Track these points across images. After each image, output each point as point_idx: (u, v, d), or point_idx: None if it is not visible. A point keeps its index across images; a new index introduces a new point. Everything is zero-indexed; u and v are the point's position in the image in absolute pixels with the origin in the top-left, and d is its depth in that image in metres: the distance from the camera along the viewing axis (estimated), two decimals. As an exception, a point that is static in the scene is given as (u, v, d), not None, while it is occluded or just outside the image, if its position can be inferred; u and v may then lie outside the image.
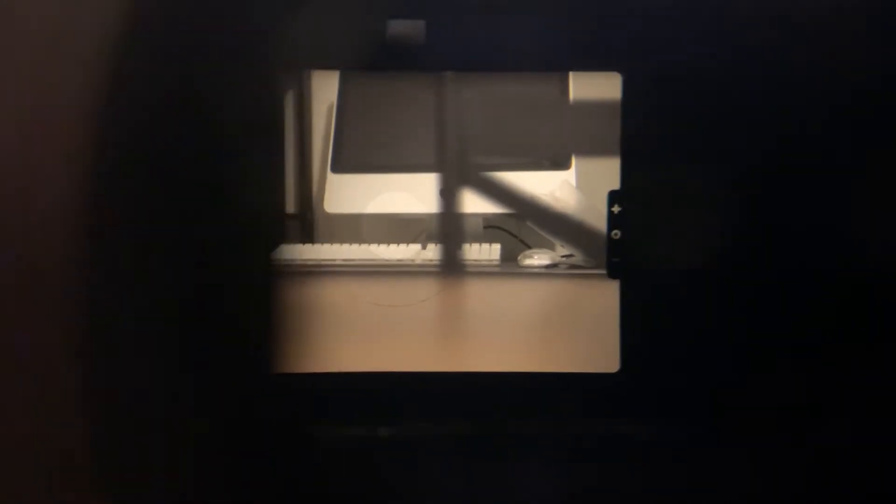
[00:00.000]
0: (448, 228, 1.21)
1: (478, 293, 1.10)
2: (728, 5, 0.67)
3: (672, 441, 0.72)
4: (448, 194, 1.21)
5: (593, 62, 0.77)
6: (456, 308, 1.07)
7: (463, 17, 0.72)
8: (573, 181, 1.22)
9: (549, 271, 1.13)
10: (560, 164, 1.23)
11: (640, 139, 0.73)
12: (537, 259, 1.15)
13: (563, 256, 1.17)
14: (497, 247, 1.18)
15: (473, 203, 1.22)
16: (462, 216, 1.22)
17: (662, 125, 0.72)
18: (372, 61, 0.73)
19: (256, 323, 0.52)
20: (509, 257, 1.19)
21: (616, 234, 0.77)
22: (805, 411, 0.70)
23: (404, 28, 0.69)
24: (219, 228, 0.48)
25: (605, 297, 1.08)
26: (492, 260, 1.17)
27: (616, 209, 0.77)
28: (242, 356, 0.49)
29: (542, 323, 1.04)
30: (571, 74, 1.23)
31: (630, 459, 0.72)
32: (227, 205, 0.50)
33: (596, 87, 1.22)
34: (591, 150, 1.23)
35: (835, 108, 0.68)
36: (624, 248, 0.76)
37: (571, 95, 1.25)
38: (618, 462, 0.72)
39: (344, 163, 1.29)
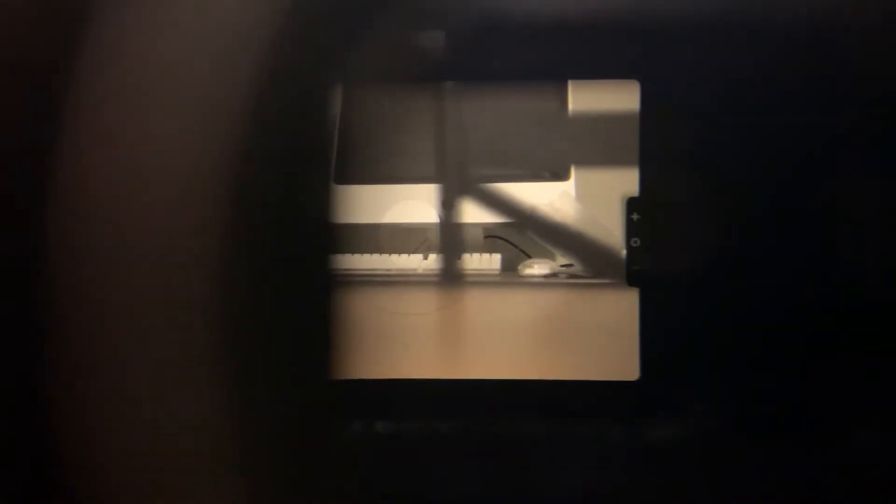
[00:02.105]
0: (448, 238, 1.22)
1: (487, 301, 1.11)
2: (749, 10, 0.66)
3: (692, 446, 0.71)
4: (448, 205, 1.22)
5: (611, 70, 0.77)
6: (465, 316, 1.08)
7: (480, 30, 0.72)
8: (572, 192, 1.24)
9: (549, 280, 1.14)
10: (559, 175, 1.25)
11: (658, 146, 0.73)
12: (537, 268, 1.16)
13: (562, 266, 1.19)
14: (497, 256, 1.19)
15: (474, 213, 1.23)
16: (462, 226, 1.23)
17: (681, 131, 0.72)
18: (403, 74, 0.73)
19: (316, 330, 0.52)
20: (510, 267, 1.20)
21: (636, 241, 0.76)
22: (830, 417, 0.69)
23: (427, 39, 0.70)
24: (282, 242, 0.49)
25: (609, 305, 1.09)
26: (492, 269, 1.18)
27: (635, 217, 0.76)
28: (302, 362, 0.50)
29: (558, 332, 1.04)
30: (570, 85, 1.25)
31: (648, 465, 0.72)
32: (291, 219, 0.51)
33: (595, 99, 1.23)
34: (591, 160, 1.24)
35: (865, 111, 0.67)
36: (644, 255, 0.75)
37: (570, 106, 1.26)
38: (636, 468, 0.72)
39: (347, 174, 1.30)
